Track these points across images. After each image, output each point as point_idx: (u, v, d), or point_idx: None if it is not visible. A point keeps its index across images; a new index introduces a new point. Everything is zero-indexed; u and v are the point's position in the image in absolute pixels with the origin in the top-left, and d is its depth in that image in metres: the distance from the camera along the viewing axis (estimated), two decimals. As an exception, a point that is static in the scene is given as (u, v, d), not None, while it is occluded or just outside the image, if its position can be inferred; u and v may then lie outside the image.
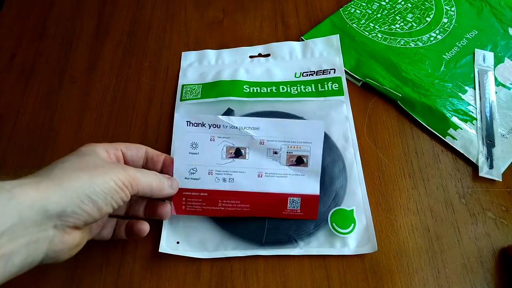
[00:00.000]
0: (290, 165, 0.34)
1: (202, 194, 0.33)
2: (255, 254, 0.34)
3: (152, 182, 0.29)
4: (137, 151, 0.32)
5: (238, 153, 0.34)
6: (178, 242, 0.34)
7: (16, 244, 0.22)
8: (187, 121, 0.34)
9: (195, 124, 0.34)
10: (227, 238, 0.34)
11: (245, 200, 0.33)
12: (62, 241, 0.25)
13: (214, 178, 0.34)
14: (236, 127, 0.34)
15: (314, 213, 0.34)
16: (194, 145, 0.34)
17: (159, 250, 0.34)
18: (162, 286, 0.33)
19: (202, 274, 0.34)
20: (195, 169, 0.33)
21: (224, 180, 0.34)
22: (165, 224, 0.35)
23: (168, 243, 0.34)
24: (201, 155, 0.34)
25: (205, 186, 0.33)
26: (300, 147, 0.34)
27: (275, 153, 0.34)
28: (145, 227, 0.32)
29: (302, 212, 0.34)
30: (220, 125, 0.34)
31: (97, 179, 0.25)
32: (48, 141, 0.41)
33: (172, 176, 0.33)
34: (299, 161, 0.34)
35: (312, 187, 0.34)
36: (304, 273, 0.33)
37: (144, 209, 0.33)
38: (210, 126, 0.34)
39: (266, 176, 0.34)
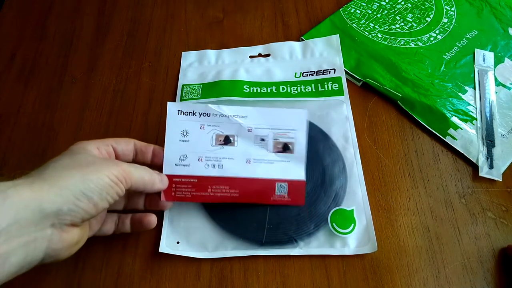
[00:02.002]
0: (277, 151, 0.35)
1: (191, 180, 0.34)
2: (255, 254, 0.34)
3: (144, 176, 0.30)
4: (127, 144, 0.32)
5: (227, 141, 0.35)
6: (178, 242, 0.34)
7: (12, 244, 0.22)
8: (178, 110, 0.35)
9: (186, 113, 0.35)
10: (227, 238, 0.34)
11: (234, 186, 0.34)
12: (61, 240, 0.25)
13: (203, 164, 0.34)
14: (225, 115, 0.35)
15: (301, 198, 0.34)
16: (184, 133, 0.34)
17: (159, 250, 0.34)
18: (162, 286, 0.33)
19: (202, 274, 0.34)
20: (185, 156, 0.34)
21: (213, 166, 0.34)
22: (165, 224, 0.35)
23: (168, 243, 0.34)
24: (191, 143, 0.34)
25: (194, 172, 0.34)
26: (285, 134, 0.35)
27: (263, 140, 0.35)
28: (153, 219, 0.32)
29: (290, 198, 0.34)
30: (210, 114, 0.35)
31: (90, 176, 0.26)
32: (48, 141, 0.41)
33: (162, 163, 0.34)
34: (285, 147, 0.35)
35: (298, 172, 0.34)
36: (304, 273, 0.33)
37: (143, 202, 0.34)
38: (200, 115, 0.35)
39: (255, 162, 0.34)
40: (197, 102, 0.42)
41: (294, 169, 0.35)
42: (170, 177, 0.34)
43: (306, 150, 0.35)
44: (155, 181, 0.31)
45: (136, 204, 0.34)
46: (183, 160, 0.34)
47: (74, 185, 0.25)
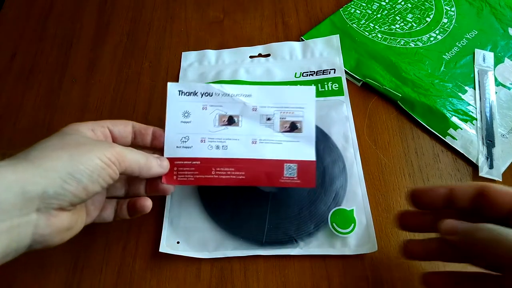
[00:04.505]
0: (284, 131, 0.33)
1: (194, 162, 0.32)
2: (255, 254, 0.34)
3: (139, 160, 0.28)
4: (124, 126, 0.31)
5: (231, 121, 0.33)
6: (178, 242, 0.34)
7: None
8: (179, 90, 0.33)
9: (187, 93, 0.33)
10: (227, 238, 0.34)
11: (240, 168, 0.32)
12: (49, 225, 0.23)
13: (206, 145, 0.32)
14: (228, 95, 0.33)
15: (312, 180, 0.32)
16: (186, 114, 0.33)
17: (159, 250, 0.34)
18: (162, 286, 0.33)
19: (202, 274, 0.34)
20: (187, 138, 0.32)
21: (217, 147, 0.32)
22: (165, 224, 0.35)
23: (168, 243, 0.34)
24: (194, 124, 0.33)
25: (197, 154, 0.32)
26: (293, 113, 0.33)
27: (269, 119, 0.33)
28: (147, 203, 0.31)
29: (299, 180, 0.32)
30: (212, 93, 0.33)
31: (80, 157, 0.24)
32: (48, 141, 0.41)
33: (163, 145, 0.32)
34: (293, 127, 0.33)
35: (307, 152, 0.33)
36: (304, 273, 0.33)
37: (145, 187, 0.32)
38: (202, 95, 0.33)
39: (261, 142, 0.33)
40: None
41: (303, 149, 0.32)
42: (171, 159, 0.32)
43: (315, 128, 0.33)
44: (152, 165, 0.29)
45: (137, 190, 0.32)
46: (185, 141, 0.32)
47: (61, 166, 0.23)
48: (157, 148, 0.32)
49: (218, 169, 0.32)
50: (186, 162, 0.32)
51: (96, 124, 0.29)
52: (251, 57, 0.46)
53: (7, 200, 0.21)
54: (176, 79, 0.45)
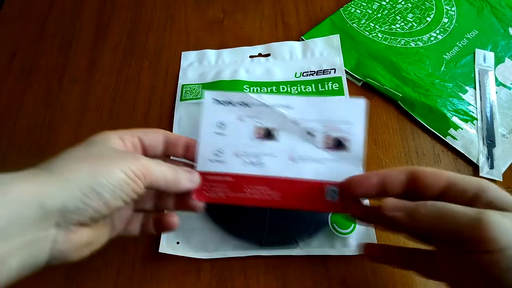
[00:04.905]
0: (327, 148, 0.30)
1: (227, 178, 0.30)
2: (255, 254, 0.34)
3: (166, 174, 0.26)
4: (155, 135, 0.29)
5: (268, 134, 0.30)
6: (178, 243, 0.34)
7: (11, 245, 0.20)
8: (213, 98, 0.30)
9: (222, 102, 0.30)
10: (227, 238, 0.34)
11: (275, 187, 0.29)
12: (67, 241, 0.22)
13: (240, 161, 0.30)
14: (267, 105, 0.30)
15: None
16: (220, 125, 0.30)
17: (159, 250, 0.34)
18: (162, 286, 0.33)
19: (202, 274, 0.34)
20: (220, 151, 0.30)
21: (251, 163, 0.30)
22: (165, 224, 0.35)
23: (168, 243, 0.34)
24: (228, 136, 0.30)
25: (230, 170, 0.30)
26: (338, 128, 0.29)
27: (310, 134, 0.30)
28: (175, 220, 0.29)
29: (342, 205, 0.29)
30: (249, 104, 0.30)
31: (102, 170, 0.23)
32: (48, 141, 0.41)
33: (195, 158, 0.30)
34: (338, 144, 0.29)
35: (353, 174, 0.29)
36: (304, 273, 0.33)
37: (174, 202, 0.30)
38: (238, 105, 0.30)
39: (300, 160, 0.30)
40: (198, 102, 0.42)
41: (348, 171, 0.29)
42: (203, 174, 0.29)
43: (364, 148, 0.29)
44: (180, 179, 0.27)
45: (166, 204, 0.30)
46: (218, 155, 0.30)
47: (82, 179, 0.22)
48: (189, 160, 0.30)
49: (251, 187, 0.30)
50: (218, 178, 0.30)
51: (125, 133, 0.27)
52: (251, 57, 0.46)
53: (25, 215, 0.20)
54: (176, 79, 0.45)
